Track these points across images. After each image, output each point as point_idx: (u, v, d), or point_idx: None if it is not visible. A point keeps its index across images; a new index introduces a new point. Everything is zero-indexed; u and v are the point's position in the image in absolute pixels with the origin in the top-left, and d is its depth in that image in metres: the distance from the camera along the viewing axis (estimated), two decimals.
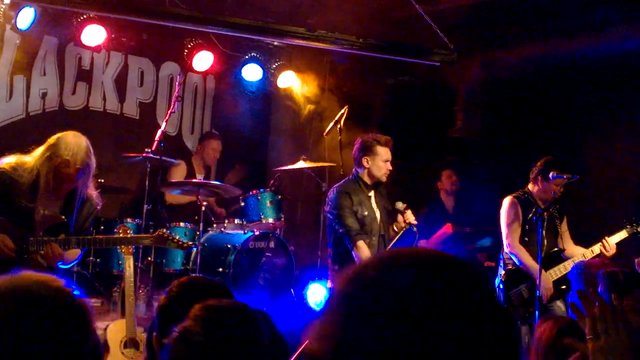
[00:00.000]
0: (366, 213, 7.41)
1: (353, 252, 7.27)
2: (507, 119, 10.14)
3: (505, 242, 7.66)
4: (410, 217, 7.30)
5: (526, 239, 7.60)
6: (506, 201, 7.74)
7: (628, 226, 7.74)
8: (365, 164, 7.45)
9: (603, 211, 9.42)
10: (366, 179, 7.51)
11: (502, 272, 7.66)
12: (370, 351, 1.42)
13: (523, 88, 9.98)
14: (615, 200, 9.54)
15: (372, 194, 7.56)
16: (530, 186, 7.78)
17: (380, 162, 7.41)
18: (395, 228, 7.46)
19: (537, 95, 9.94)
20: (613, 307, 2.42)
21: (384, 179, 7.49)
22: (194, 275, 6.82)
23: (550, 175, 7.52)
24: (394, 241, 7.42)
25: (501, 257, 7.71)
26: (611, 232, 7.75)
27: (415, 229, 7.39)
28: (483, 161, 10.27)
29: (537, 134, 9.90)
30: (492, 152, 10.17)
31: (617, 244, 7.62)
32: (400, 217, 7.34)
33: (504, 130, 10.17)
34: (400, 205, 7.30)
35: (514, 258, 7.54)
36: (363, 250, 7.21)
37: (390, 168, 7.47)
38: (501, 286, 7.62)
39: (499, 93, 10.02)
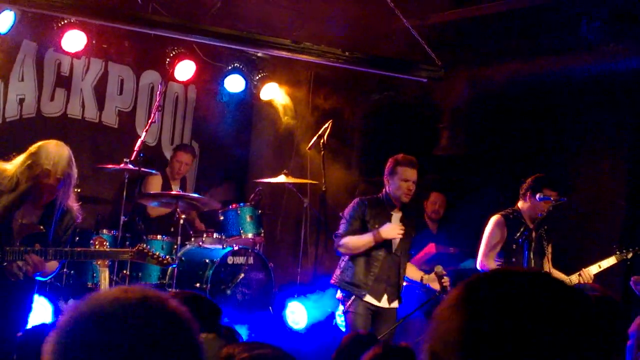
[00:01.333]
0: (379, 228, 7.42)
1: (339, 252, 7.56)
2: (492, 137, 10.15)
3: (479, 259, 7.74)
4: (446, 284, 7.23)
5: (513, 259, 7.59)
6: (493, 219, 7.76)
7: (617, 253, 7.78)
8: (386, 182, 7.56)
9: (588, 232, 9.43)
10: (392, 198, 7.56)
11: None
12: None
13: (509, 106, 9.99)
14: (601, 221, 9.55)
15: (396, 213, 7.59)
16: (519, 203, 7.80)
17: (399, 181, 7.44)
18: (423, 278, 7.67)
19: (524, 114, 9.95)
20: None
21: (404, 198, 7.50)
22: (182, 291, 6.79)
23: (537, 196, 7.52)
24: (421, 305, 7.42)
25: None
26: (597, 258, 7.79)
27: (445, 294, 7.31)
28: (468, 180, 10.27)
29: (522, 152, 9.91)
30: (477, 171, 10.17)
31: (606, 269, 7.68)
32: (433, 276, 7.36)
33: (490, 148, 10.18)
34: (440, 270, 7.26)
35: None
36: (349, 240, 7.46)
37: (411, 188, 7.49)
38: None
39: (485, 111, 10.03)
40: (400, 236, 7.39)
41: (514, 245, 7.62)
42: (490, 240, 7.68)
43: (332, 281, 7.73)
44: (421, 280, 7.66)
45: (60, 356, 1.88)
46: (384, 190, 7.62)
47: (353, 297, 7.41)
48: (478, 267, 7.76)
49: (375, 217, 7.51)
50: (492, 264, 7.62)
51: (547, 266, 7.79)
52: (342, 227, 7.60)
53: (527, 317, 1.57)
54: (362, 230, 7.50)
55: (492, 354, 1.56)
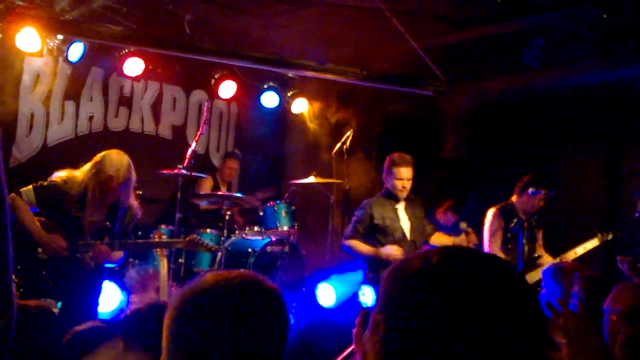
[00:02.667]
0: (389, 223, 7.30)
1: (344, 249, 7.47)
2: (491, 142, 10.13)
3: (486, 249, 7.62)
4: (473, 239, 7.16)
5: (509, 246, 7.55)
6: (490, 212, 7.70)
7: (599, 235, 7.71)
8: (385, 180, 7.45)
9: (574, 219, 9.39)
10: (392, 194, 7.40)
11: None
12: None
13: (504, 114, 9.98)
14: (584, 210, 9.52)
15: (400, 205, 7.40)
16: (513, 198, 7.75)
17: (394, 180, 7.29)
18: (455, 242, 7.45)
19: (516, 121, 9.94)
20: (581, 315, 2.29)
21: (400, 195, 7.33)
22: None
23: (530, 191, 7.49)
24: (440, 239, 7.49)
25: None
26: (581, 241, 7.75)
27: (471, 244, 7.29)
28: (469, 178, 10.25)
29: (517, 154, 9.89)
30: (477, 171, 10.15)
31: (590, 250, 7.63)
32: (463, 236, 7.23)
33: (488, 151, 10.16)
34: (464, 226, 7.14)
35: None
36: (354, 245, 7.33)
37: (406, 186, 7.29)
38: None
39: (484, 119, 10.01)
40: (399, 257, 7.09)
41: (509, 234, 7.58)
42: (490, 229, 7.61)
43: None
44: (453, 244, 7.40)
45: (178, 326, 2.01)
46: (384, 186, 7.51)
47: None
48: None
49: (381, 212, 7.34)
50: (497, 251, 7.55)
51: (540, 250, 7.76)
52: (348, 228, 7.48)
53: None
54: (370, 229, 7.32)
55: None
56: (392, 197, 7.39)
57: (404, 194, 7.32)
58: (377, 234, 7.35)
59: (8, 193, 5.87)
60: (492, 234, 7.58)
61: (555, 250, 7.89)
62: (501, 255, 7.48)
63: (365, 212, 7.37)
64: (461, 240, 7.17)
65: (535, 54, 8.70)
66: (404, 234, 7.36)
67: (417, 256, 1.44)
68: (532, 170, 7.95)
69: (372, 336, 1.42)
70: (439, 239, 7.49)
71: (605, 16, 7.44)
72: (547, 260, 7.59)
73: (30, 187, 6.00)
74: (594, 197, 9.51)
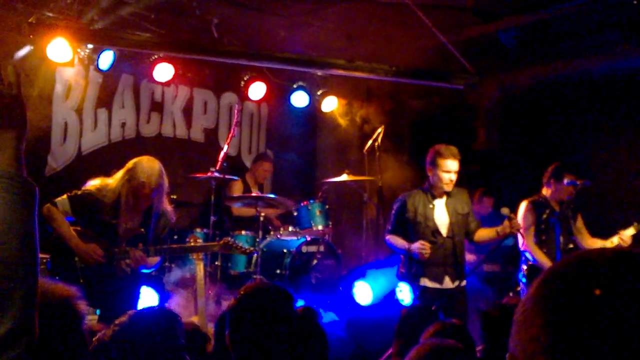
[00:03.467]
0: (420, 220, 7.06)
1: (387, 243, 7.27)
2: (522, 133, 10.06)
3: (520, 241, 7.52)
4: (516, 224, 6.79)
5: (543, 237, 7.47)
6: (523, 205, 7.61)
7: (636, 223, 7.58)
8: (429, 174, 7.11)
9: (609, 209, 9.29)
10: (434, 189, 7.12)
11: (524, 267, 7.55)
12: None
13: (535, 105, 9.90)
14: (620, 201, 9.41)
15: (439, 202, 7.12)
16: (543, 190, 7.67)
17: (440, 173, 6.98)
18: (498, 231, 6.94)
19: (549, 111, 9.86)
20: None
21: (446, 188, 7.03)
22: (259, 282, 6.87)
23: (565, 181, 7.41)
24: (496, 244, 7.18)
25: (522, 254, 7.58)
26: (618, 230, 7.65)
27: (521, 232, 6.98)
28: (502, 170, 10.19)
29: (549, 144, 9.81)
30: (509, 162, 10.08)
31: (632, 236, 7.51)
32: (506, 222, 6.80)
33: (520, 142, 10.09)
34: (506, 211, 6.78)
35: (528, 256, 7.41)
36: (392, 239, 7.18)
37: (453, 179, 7.00)
38: (524, 280, 7.54)
39: (515, 110, 9.95)
40: (426, 255, 6.87)
41: (542, 226, 7.50)
42: (525, 224, 7.48)
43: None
44: (497, 234, 6.96)
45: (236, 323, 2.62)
46: (427, 181, 7.20)
47: (415, 285, 7.05)
48: (522, 249, 7.47)
49: (415, 206, 7.09)
50: (532, 243, 7.46)
51: (586, 237, 7.65)
52: (389, 222, 7.38)
53: (622, 309, 1.10)
54: (407, 223, 7.12)
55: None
56: (432, 192, 7.13)
57: (450, 187, 7.05)
58: (409, 228, 7.18)
59: (44, 203, 5.97)
60: (527, 228, 7.47)
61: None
62: (535, 248, 7.43)
63: (400, 205, 7.22)
64: (504, 227, 6.87)
65: (512, 34, 8.65)
66: (437, 231, 7.09)
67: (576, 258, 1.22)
68: (563, 159, 7.87)
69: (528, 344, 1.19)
70: (481, 233, 7.24)
71: (635, 2, 7.35)
72: (593, 245, 7.52)
73: (65, 196, 6.07)
74: (629, 186, 9.38)
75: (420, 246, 6.89)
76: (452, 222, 7.11)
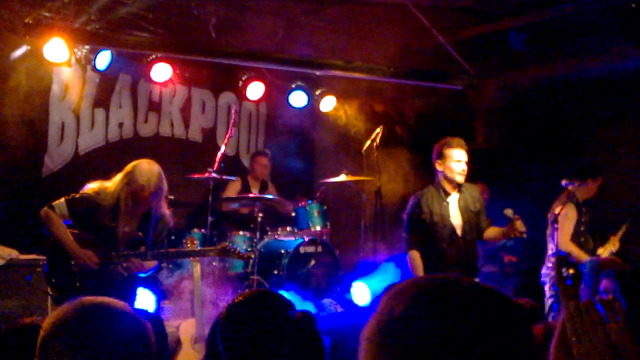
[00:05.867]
0: (437, 220, 6.83)
1: (407, 258, 6.94)
2: (523, 133, 10.08)
3: (560, 242, 7.44)
4: (519, 227, 6.56)
5: (582, 239, 7.48)
6: (569, 206, 7.60)
7: (624, 225, 7.67)
8: (438, 167, 6.85)
9: (612, 209, 9.31)
10: (445, 185, 6.88)
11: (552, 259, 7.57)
12: None
13: (534, 105, 9.92)
14: (621, 200, 9.43)
15: (452, 199, 6.89)
16: (574, 190, 7.71)
17: (451, 162, 6.77)
18: (505, 233, 6.75)
19: (548, 112, 9.88)
20: (589, 310, 2.20)
21: (459, 179, 6.79)
22: (253, 291, 6.90)
23: (563, 183, 7.49)
24: (497, 235, 6.88)
25: (554, 254, 7.55)
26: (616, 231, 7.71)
27: (525, 235, 6.63)
28: (501, 170, 10.20)
29: (548, 145, 9.83)
30: (509, 162, 10.10)
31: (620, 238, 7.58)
32: (509, 225, 6.63)
33: (520, 143, 10.10)
34: (510, 213, 6.59)
35: (563, 253, 7.35)
36: (414, 259, 6.83)
37: (465, 168, 6.80)
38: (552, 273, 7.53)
39: (514, 110, 9.96)
40: None
41: (582, 227, 7.50)
42: (569, 224, 7.45)
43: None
44: (504, 235, 6.78)
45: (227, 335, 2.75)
46: (436, 178, 6.96)
47: None
48: (561, 247, 7.42)
49: (430, 205, 6.83)
50: (573, 246, 7.45)
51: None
52: (405, 232, 6.96)
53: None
54: (423, 225, 6.85)
55: None
56: (444, 187, 6.89)
57: (462, 178, 6.82)
58: (424, 232, 6.90)
59: (42, 204, 5.99)
60: (569, 231, 7.50)
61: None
62: (573, 247, 7.41)
63: (413, 206, 6.95)
64: (510, 230, 6.76)
65: (522, 37, 8.66)
66: (454, 232, 6.88)
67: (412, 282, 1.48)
68: (565, 160, 7.93)
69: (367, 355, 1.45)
70: (489, 233, 7.09)
71: (634, 5, 7.36)
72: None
73: (63, 200, 6.09)
74: (631, 185, 9.40)
75: None
76: (465, 220, 6.90)
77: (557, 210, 7.57)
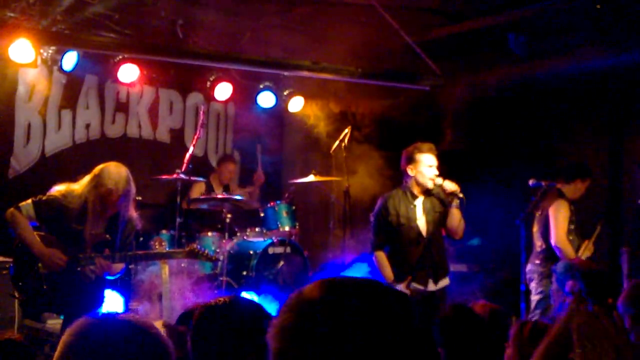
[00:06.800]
0: (403, 222, 6.91)
1: (373, 259, 7.04)
2: (490, 134, 10.18)
3: (555, 239, 7.49)
4: (448, 186, 6.67)
5: (571, 238, 7.56)
6: (562, 203, 7.65)
7: (598, 227, 7.76)
8: (410, 172, 6.88)
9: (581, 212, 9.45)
10: (414, 189, 6.93)
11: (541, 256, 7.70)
12: None
13: (502, 106, 10.02)
14: (588, 201, 9.55)
15: (419, 202, 6.93)
16: (564, 189, 7.78)
17: (423, 167, 6.81)
18: (446, 203, 6.85)
19: (516, 112, 9.99)
20: (596, 318, 2.24)
21: (430, 184, 6.83)
22: (221, 300, 6.89)
23: (530, 182, 7.57)
24: (450, 216, 6.90)
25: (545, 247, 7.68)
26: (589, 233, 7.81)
27: (461, 194, 6.75)
28: (469, 170, 10.29)
29: (516, 146, 9.95)
30: (477, 163, 10.19)
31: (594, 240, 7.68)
32: (443, 194, 6.77)
33: (488, 144, 10.21)
34: (439, 180, 6.67)
35: (557, 250, 7.44)
36: (379, 260, 6.93)
37: (437, 172, 6.84)
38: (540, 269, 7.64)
39: (482, 111, 10.06)
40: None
41: (572, 226, 7.59)
42: (564, 221, 7.51)
43: None
44: (446, 206, 6.87)
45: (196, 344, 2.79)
46: (403, 181, 7.03)
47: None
48: (555, 244, 7.48)
49: (397, 208, 6.90)
50: (568, 244, 7.50)
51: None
52: (371, 234, 7.05)
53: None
54: (389, 227, 6.92)
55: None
56: (412, 191, 6.94)
57: (432, 184, 6.84)
58: (390, 234, 6.98)
59: (8, 206, 5.95)
60: (563, 228, 7.53)
61: None
62: (568, 244, 7.49)
63: (380, 208, 7.01)
64: (446, 196, 6.86)
65: (522, 40, 8.75)
66: (420, 233, 6.93)
67: (305, 289, 1.56)
68: (530, 162, 8.01)
69: None
70: (447, 222, 7.12)
71: (598, 7, 7.47)
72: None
73: (30, 201, 6.07)
74: (596, 187, 9.54)
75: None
76: (429, 220, 6.95)
77: (549, 207, 7.69)
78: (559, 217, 7.56)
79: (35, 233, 6.04)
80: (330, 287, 1.54)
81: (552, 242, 7.52)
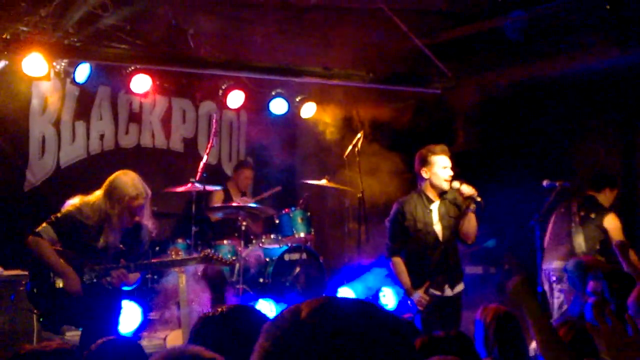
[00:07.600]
0: (420, 227, 6.79)
1: (390, 265, 6.93)
2: (502, 134, 10.17)
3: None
4: (466, 190, 6.59)
5: None
6: (613, 215, 7.86)
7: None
8: (424, 174, 6.76)
9: None
10: (429, 192, 6.81)
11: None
12: None
13: (515, 106, 10.01)
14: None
15: (435, 206, 6.82)
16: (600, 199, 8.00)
17: (438, 169, 6.69)
18: (462, 208, 6.76)
19: (528, 112, 9.97)
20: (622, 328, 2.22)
21: (445, 186, 6.70)
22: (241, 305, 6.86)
23: (544, 183, 7.60)
24: (465, 220, 6.78)
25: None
26: None
27: (479, 198, 6.64)
28: (482, 171, 10.27)
29: (528, 146, 9.93)
30: (489, 163, 10.17)
31: None
32: (460, 198, 6.68)
33: (500, 144, 10.19)
34: (456, 184, 6.58)
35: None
36: (397, 266, 6.82)
37: (451, 173, 6.72)
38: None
39: (494, 111, 10.04)
40: (423, 307, 6.60)
41: None
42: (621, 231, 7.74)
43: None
44: (464, 212, 6.76)
45: None
46: (418, 184, 6.90)
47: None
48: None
49: (413, 212, 6.77)
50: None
51: None
52: (387, 239, 6.90)
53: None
54: (406, 232, 6.80)
55: None
56: (426, 197, 6.82)
57: (447, 186, 6.72)
58: (407, 239, 6.85)
59: (25, 219, 5.95)
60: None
61: None
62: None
63: (396, 213, 6.88)
64: (462, 201, 6.79)
65: (517, 26, 8.72)
66: (437, 239, 6.83)
67: (288, 310, 1.48)
68: (541, 161, 8.02)
69: None
70: (460, 227, 7.07)
71: (607, 7, 7.44)
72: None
73: (45, 224, 6.03)
74: None
75: (420, 300, 6.65)
76: (444, 225, 6.85)
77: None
78: (615, 223, 7.76)
79: (53, 248, 6.03)
80: (312, 313, 1.43)
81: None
